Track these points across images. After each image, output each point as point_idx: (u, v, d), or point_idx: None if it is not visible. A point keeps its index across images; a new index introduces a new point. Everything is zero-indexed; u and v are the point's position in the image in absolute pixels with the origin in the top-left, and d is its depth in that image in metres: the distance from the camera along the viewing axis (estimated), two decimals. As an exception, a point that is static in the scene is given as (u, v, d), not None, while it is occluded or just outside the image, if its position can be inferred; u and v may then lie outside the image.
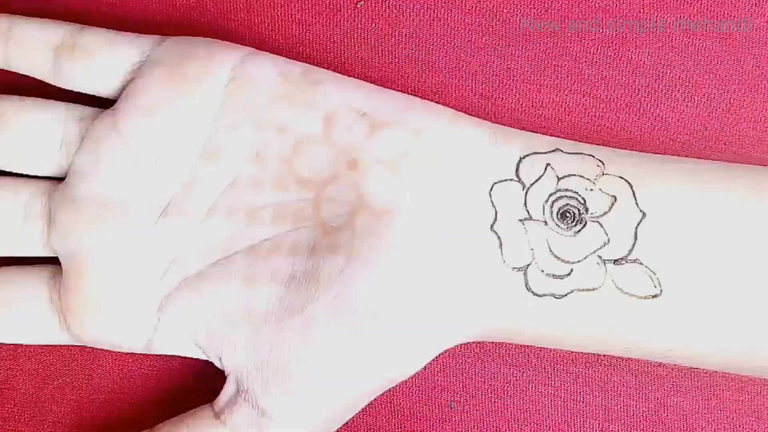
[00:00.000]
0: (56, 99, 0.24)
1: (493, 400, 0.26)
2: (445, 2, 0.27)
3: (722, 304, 0.22)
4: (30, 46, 0.24)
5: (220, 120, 0.23)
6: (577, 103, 0.27)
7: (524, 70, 0.27)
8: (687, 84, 0.27)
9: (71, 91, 0.24)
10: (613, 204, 0.22)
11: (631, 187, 0.23)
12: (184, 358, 0.26)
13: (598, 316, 0.22)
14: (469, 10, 0.27)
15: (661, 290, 0.22)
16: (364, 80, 0.25)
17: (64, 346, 0.26)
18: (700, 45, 0.27)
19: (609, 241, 0.22)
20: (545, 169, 0.23)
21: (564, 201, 0.23)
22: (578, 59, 0.27)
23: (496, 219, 0.23)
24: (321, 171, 0.23)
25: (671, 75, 0.27)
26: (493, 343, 0.26)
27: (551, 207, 0.23)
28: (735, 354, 0.23)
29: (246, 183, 0.23)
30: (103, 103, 0.24)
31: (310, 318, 0.22)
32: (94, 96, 0.25)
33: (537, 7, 0.27)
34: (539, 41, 0.27)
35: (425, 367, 0.24)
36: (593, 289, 0.22)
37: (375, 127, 0.23)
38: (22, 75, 0.25)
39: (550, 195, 0.23)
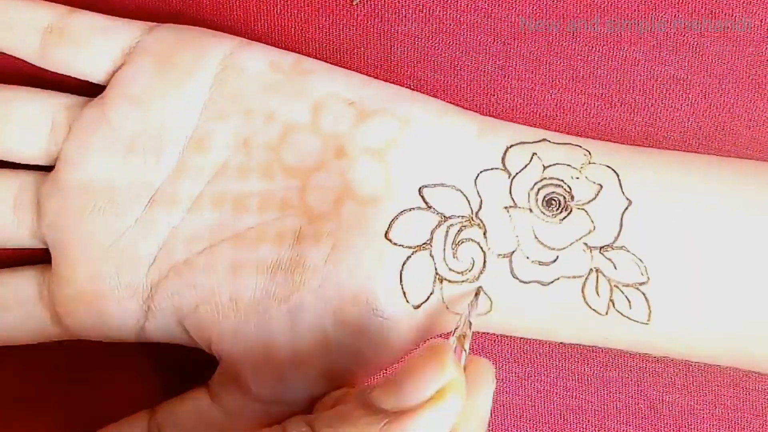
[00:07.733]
0: (46, 85, 0.25)
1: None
2: (440, 0, 0.27)
3: (709, 290, 0.22)
4: (18, 26, 0.24)
5: (208, 109, 0.23)
6: (572, 100, 0.27)
7: (518, 68, 0.27)
8: (682, 82, 0.27)
9: (60, 74, 0.25)
10: (599, 192, 0.22)
11: (617, 175, 0.23)
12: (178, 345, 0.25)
13: (585, 304, 0.22)
14: (464, 8, 0.27)
15: (648, 278, 0.22)
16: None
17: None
18: (696, 44, 0.27)
19: (595, 228, 0.22)
20: (531, 158, 0.23)
21: (550, 189, 0.23)
22: (573, 57, 0.27)
23: (481, 206, 0.23)
24: (308, 159, 0.23)
25: (666, 73, 0.27)
26: (489, 339, 0.26)
27: (537, 195, 0.23)
28: (723, 341, 0.22)
29: (233, 171, 0.23)
30: (93, 87, 0.24)
31: (297, 305, 0.22)
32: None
33: (533, 6, 0.27)
34: (534, 39, 0.27)
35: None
36: (579, 277, 0.22)
37: (363, 116, 0.23)
38: (11, 66, 0.25)
39: (536, 183, 0.23)
